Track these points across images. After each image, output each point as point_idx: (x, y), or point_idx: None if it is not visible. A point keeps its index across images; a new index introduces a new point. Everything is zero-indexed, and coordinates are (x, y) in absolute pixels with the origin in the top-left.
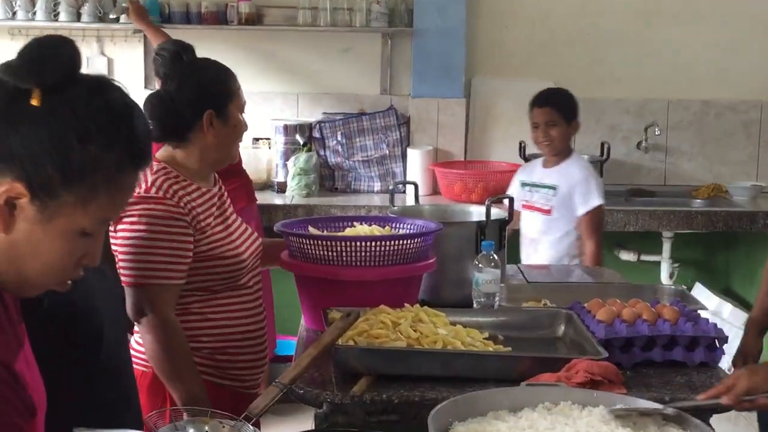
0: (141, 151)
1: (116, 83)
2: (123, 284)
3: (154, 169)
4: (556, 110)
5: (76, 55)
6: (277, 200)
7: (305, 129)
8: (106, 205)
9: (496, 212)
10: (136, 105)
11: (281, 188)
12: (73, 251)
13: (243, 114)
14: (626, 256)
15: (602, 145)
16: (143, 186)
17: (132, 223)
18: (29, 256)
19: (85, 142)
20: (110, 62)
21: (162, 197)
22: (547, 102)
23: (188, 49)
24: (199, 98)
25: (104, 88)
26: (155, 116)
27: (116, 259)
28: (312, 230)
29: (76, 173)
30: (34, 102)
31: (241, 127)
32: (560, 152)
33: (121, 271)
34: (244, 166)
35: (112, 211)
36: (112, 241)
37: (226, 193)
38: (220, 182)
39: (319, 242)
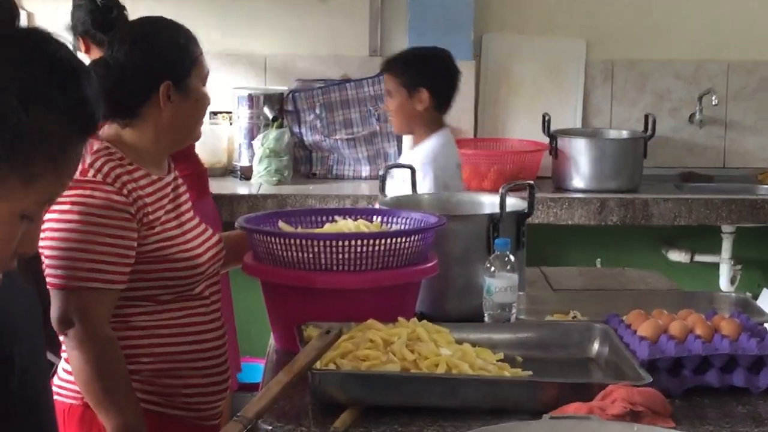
0: (91, 116)
1: (60, 38)
2: (48, 287)
3: (94, 149)
4: (393, 77)
5: (7, 2)
6: (241, 189)
7: (275, 100)
8: (51, 182)
9: (514, 202)
10: (84, 64)
11: (245, 174)
12: (12, 239)
13: (206, 85)
14: (676, 256)
15: (646, 118)
16: (79, 168)
17: (63, 212)
18: None
19: (28, 105)
20: (30, 17)
21: (101, 182)
22: (384, 66)
23: None
24: (155, 66)
25: (48, 43)
26: (101, 88)
27: (42, 257)
28: (283, 226)
29: (20, 143)
30: None
31: (204, 102)
32: (409, 131)
33: (48, 270)
34: (200, 146)
35: (57, 189)
36: None
37: (183, 185)
38: (176, 170)
39: (292, 241)
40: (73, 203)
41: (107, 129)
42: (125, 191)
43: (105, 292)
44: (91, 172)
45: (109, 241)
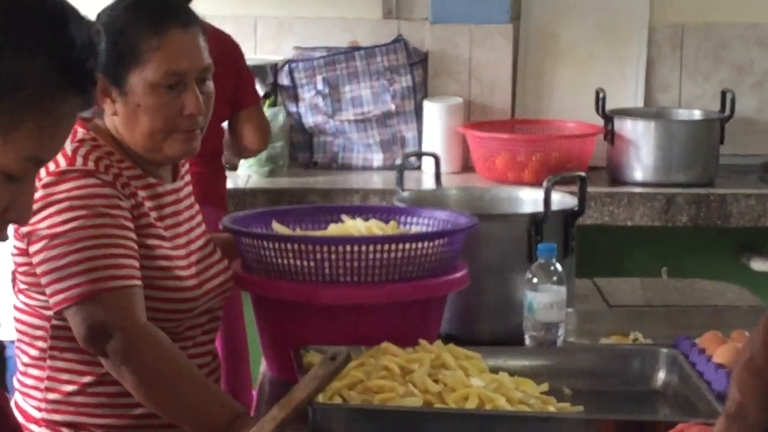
0: (77, 63)
1: None
2: (60, 309)
3: (78, 137)
4: None
5: None
6: (225, 182)
7: (267, 72)
8: (33, 136)
9: (561, 199)
10: (75, 9)
11: (230, 164)
12: None
13: (174, 88)
14: (760, 264)
15: (723, 95)
16: (62, 161)
17: (60, 212)
18: None
19: (3, 50)
20: None
21: (94, 170)
22: None
23: None
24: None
25: None
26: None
27: (43, 280)
28: (278, 228)
29: None
30: None
31: (150, 113)
32: None
33: (54, 288)
34: None
35: (42, 147)
36: (19, 261)
37: (191, 195)
38: (186, 174)
39: (289, 246)
40: (69, 198)
41: (98, 120)
42: (118, 185)
43: (134, 291)
44: (79, 161)
45: (118, 233)
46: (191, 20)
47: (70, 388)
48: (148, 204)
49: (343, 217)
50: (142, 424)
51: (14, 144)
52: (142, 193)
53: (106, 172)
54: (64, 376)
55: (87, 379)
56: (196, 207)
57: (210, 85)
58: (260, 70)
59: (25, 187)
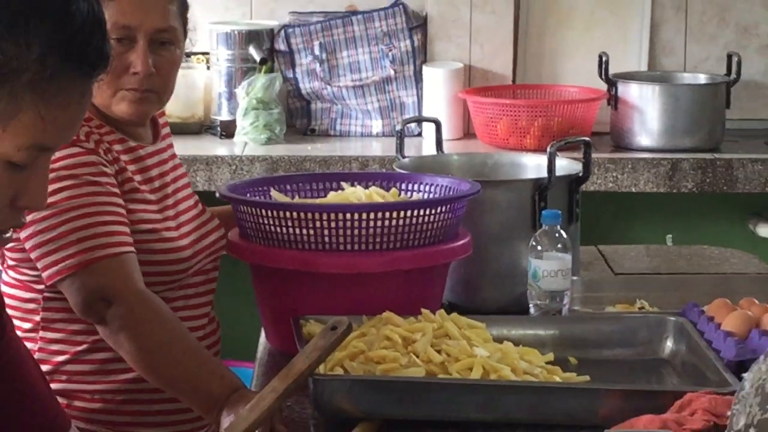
0: (82, 45)
1: None
2: (54, 282)
3: None
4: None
5: None
6: (221, 149)
7: (263, 38)
8: (34, 124)
9: (565, 165)
10: None
11: (227, 131)
12: None
13: (120, 40)
14: (767, 231)
15: (729, 58)
16: None
17: None
18: None
19: None
20: None
21: (74, 139)
22: None
23: None
24: None
25: None
26: None
27: (33, 254)
28: (276, 195)
29: None
30: None
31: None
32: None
33: (47, 260)
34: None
35: (46, 134)
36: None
37: (175, 156)
38: (167, 136)
39: (288, 214)
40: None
41: None
42: (101, 151)
43: (126, 258)
44: None
45: (107, 200)
46: None
47: (61, 357)
48: (131, 168)
49: (343, 184)
50: (133, 388)
51: (14, 133)
52: (124, 158)
53: (87, 140)
54: (56, 347)
55: (79, 347)
56: (182, 168)
57: (172, 50)
58: (256, 36)
59: (35, 174)
